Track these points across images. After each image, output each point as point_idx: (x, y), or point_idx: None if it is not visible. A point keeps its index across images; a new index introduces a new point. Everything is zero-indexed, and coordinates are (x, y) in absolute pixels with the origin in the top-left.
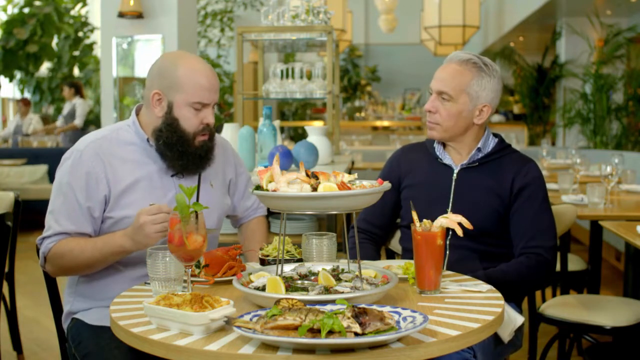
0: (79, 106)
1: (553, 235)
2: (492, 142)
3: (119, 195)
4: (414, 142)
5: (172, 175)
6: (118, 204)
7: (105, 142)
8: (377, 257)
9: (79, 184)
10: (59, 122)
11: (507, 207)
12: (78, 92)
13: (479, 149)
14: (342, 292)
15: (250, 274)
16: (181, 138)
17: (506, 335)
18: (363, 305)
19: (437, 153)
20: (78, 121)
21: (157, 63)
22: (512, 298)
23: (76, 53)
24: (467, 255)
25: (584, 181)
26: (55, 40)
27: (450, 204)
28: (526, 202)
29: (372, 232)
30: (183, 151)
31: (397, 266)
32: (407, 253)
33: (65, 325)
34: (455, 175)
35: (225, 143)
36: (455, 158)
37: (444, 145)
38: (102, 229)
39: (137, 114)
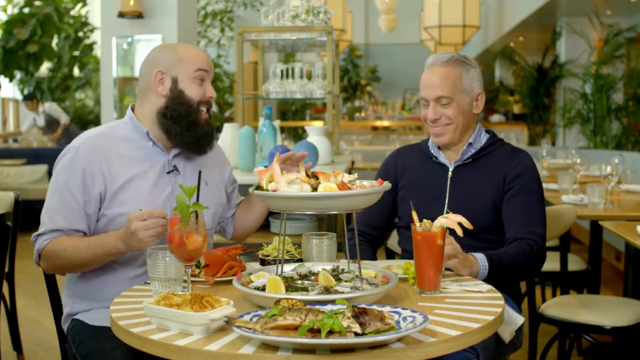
0: (49, 108)
1: (544, 224)
2: (484, 137)
3: (114, 192)
4: (410, 144)
5: (168, 172)
6: (113, 202)
7: (101, 138)
8: (373, 259)
9: (75, 181)
10: (25, 127)
11: (502, 199)
12: (39, 100)
13: (470, 144)
14: (342, 292)
15: (250, 274)
16: (189, 108)
17: (507, 335)
18: (363, 305)
19: (432, 152)
20: (63, 119)
21: (151, 54)
22: (510, 282)
23: (76, 53)
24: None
25: (584, 181)
26: (55, 40)
27: (447, 202)
28: (519, 191)
29: (369, 233)
30: (192, 122)
31: (397, 266)
32: (406, 254)
33: (65, 327)
34: (450, 173)
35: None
36: (449, 156)
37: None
38: (97, 227)
39: (133, 111)
